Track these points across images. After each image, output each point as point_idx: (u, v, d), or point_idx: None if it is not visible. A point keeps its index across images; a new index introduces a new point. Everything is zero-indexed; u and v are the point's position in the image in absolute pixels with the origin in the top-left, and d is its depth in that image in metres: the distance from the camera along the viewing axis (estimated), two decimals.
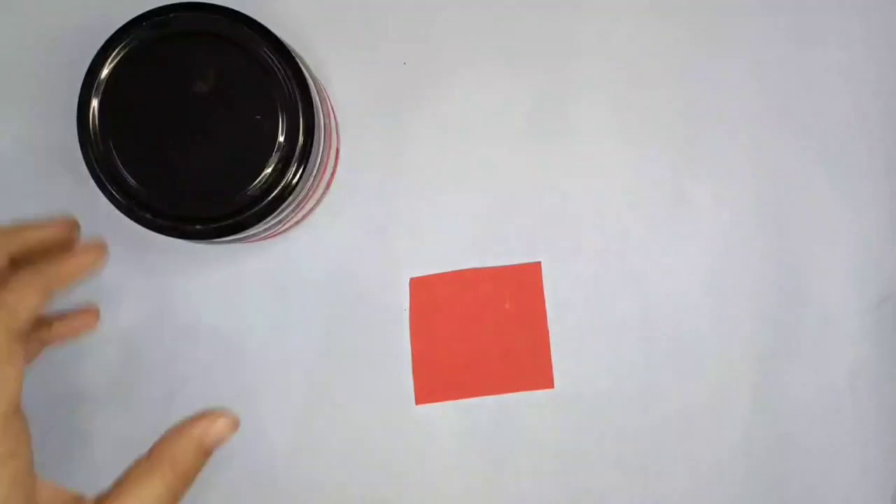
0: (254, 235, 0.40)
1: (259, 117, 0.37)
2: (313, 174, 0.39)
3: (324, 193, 0.44)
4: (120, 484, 0.30)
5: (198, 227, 0.37)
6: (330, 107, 0.43)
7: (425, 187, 0.46)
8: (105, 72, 0.37)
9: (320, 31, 0.45)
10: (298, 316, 0.45)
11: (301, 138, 0.37)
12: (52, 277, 0.32)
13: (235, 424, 0.33)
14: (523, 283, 0.46)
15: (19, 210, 0.42)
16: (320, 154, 0.39)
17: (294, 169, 0.37)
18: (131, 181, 0.37)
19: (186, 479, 0.31)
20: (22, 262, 0.33)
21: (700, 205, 0.46)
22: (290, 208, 0.39)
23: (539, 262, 0.46)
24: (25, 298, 0.30)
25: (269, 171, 0.37)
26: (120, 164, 0.37)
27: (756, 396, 0.46)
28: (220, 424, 0.32)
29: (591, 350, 0.46)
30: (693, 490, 0.46)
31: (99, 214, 0.38)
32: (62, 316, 0.38)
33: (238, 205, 0.37)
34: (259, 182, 0.37)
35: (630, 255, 0.46)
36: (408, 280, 0.45)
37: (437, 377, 0.45)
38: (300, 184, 0.37)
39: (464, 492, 0.45)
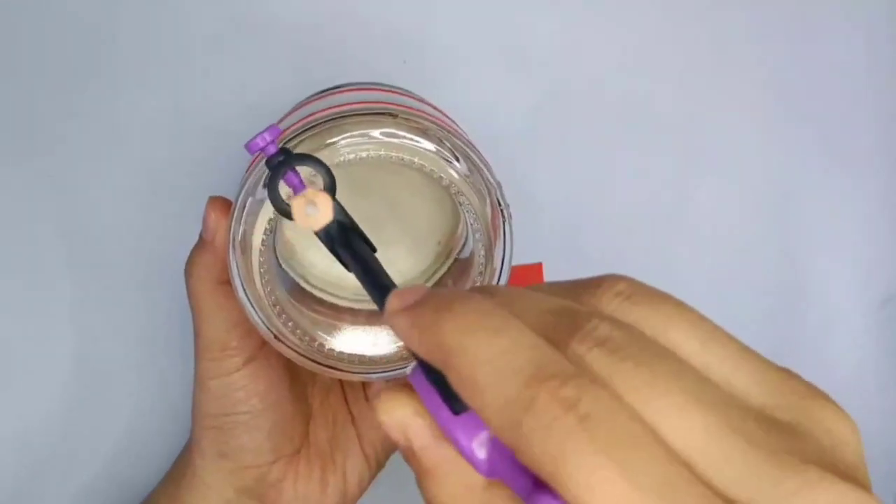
0: None
1: None
2: None
3: None
4: None
5: None
6: None
7: None
8: None
9: (320, 31, 0.45)
10: None
11: None
12: None
13: None
14: (524, 283, 0.45)
15: None
16: None
17: None
18: None
19: None
20: None
21: (703, 205, 0.46)
22: None
23: (540, 263, 0.45)
24: None
25: None
26: None
27: None
28: None
29: None
30: None
31: None
32: None
33: None
34: None
35: (632, 256, 0.46)
36: None
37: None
38: None
39: None
